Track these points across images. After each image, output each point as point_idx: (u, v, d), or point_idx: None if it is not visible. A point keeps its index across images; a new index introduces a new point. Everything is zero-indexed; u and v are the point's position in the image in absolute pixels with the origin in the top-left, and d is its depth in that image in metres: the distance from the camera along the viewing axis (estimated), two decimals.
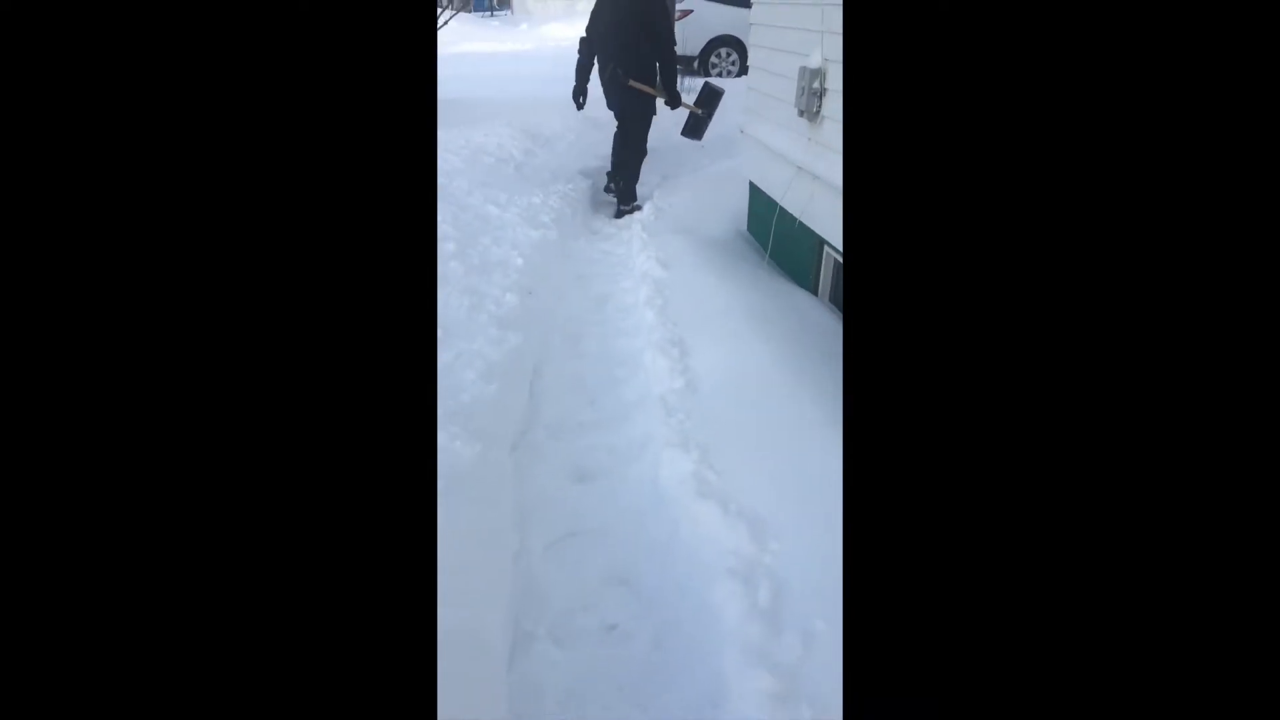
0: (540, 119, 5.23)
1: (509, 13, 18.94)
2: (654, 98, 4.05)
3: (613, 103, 4.11)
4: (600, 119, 5.41)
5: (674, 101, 4.03)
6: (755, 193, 3.62)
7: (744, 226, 3.89)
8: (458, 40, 12.55)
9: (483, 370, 2.02)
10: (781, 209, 3.12)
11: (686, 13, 8.54)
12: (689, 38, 8.50)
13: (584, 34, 4.18)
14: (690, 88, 6.36)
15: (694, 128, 4.39)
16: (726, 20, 8.93)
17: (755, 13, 3.37)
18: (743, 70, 9.09)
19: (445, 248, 2.87)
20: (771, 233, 3.26)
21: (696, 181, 4.91)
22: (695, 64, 8.55)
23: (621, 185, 4.27)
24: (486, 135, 4.71)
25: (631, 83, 3.96)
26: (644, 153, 4.28)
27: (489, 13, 18.34)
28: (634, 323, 2.89)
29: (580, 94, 4.21)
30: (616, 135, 4.27)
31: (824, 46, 2.60)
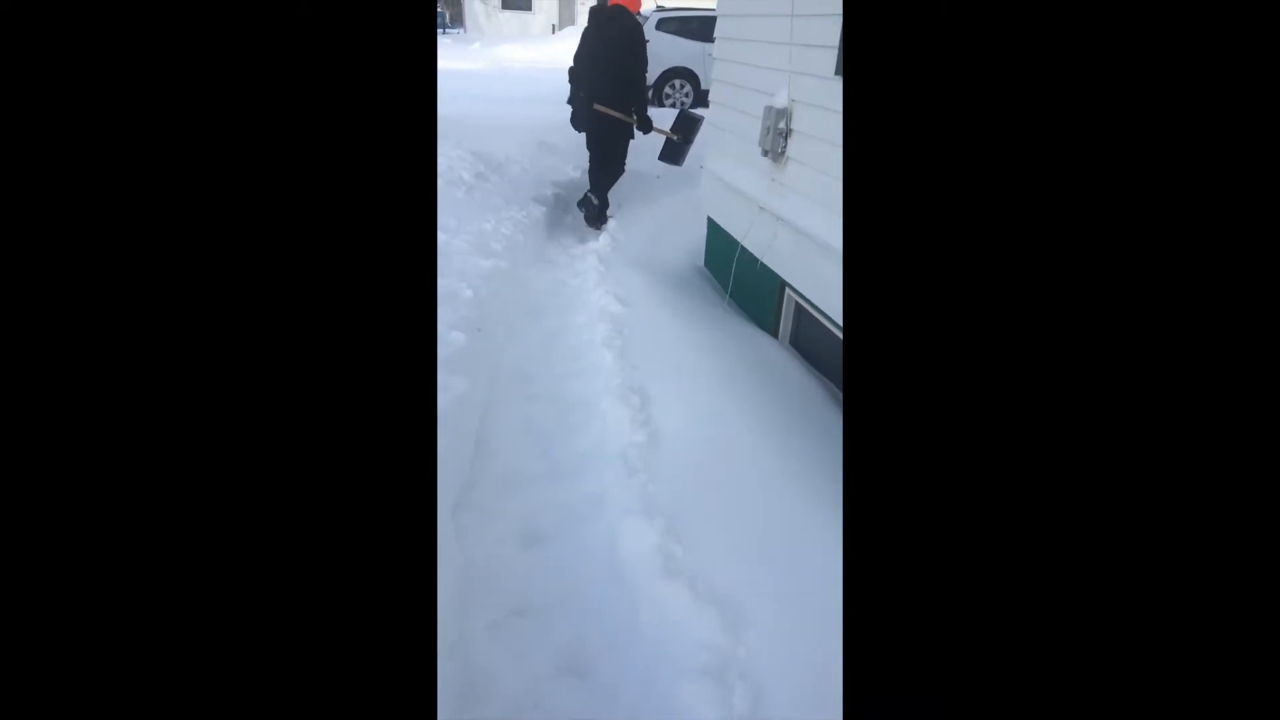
0: (492, 142, 5.03)
1: (461, 30, 18.70)
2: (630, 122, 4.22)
3: (588, 127, 4.23)
4: (554, 144, 5.25)
5: (645, 126, 4.13)
6: (714, 229, 3.51)
7: (702, 261, 3.77)
8: None
9: None
10: (743, 249, 3.01)
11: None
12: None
13: (571, 65, 4.36)
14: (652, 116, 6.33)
15: (672, 154, 4.46)
16: (681, 53, 8.96)
17: (719, 48, 3.28)
18: (696, 102, 9.12)
19: None
20: (732, 272, 3.15)
21: (653, 212, 4.79)
22: (650, 93, 8.53)
23: (596, 204, 4.33)
24: (437, 156, 4.48)
25: (597, 106, 4.07)
26: (621, 171, 4.39)
27: (441, 30, 18.06)
28: (590, 363, 2.71)
29: (578, 120, 4.33)
30: (591, 159, 4.31)
31: (791, 87, 2.51)
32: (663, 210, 4.77)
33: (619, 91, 4.03)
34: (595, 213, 4.33)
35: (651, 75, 8.66)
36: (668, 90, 9.10)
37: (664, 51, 8.65)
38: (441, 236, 3.33)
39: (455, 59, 13.05)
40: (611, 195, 4.67)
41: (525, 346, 2.88)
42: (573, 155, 5.13)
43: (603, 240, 3.98)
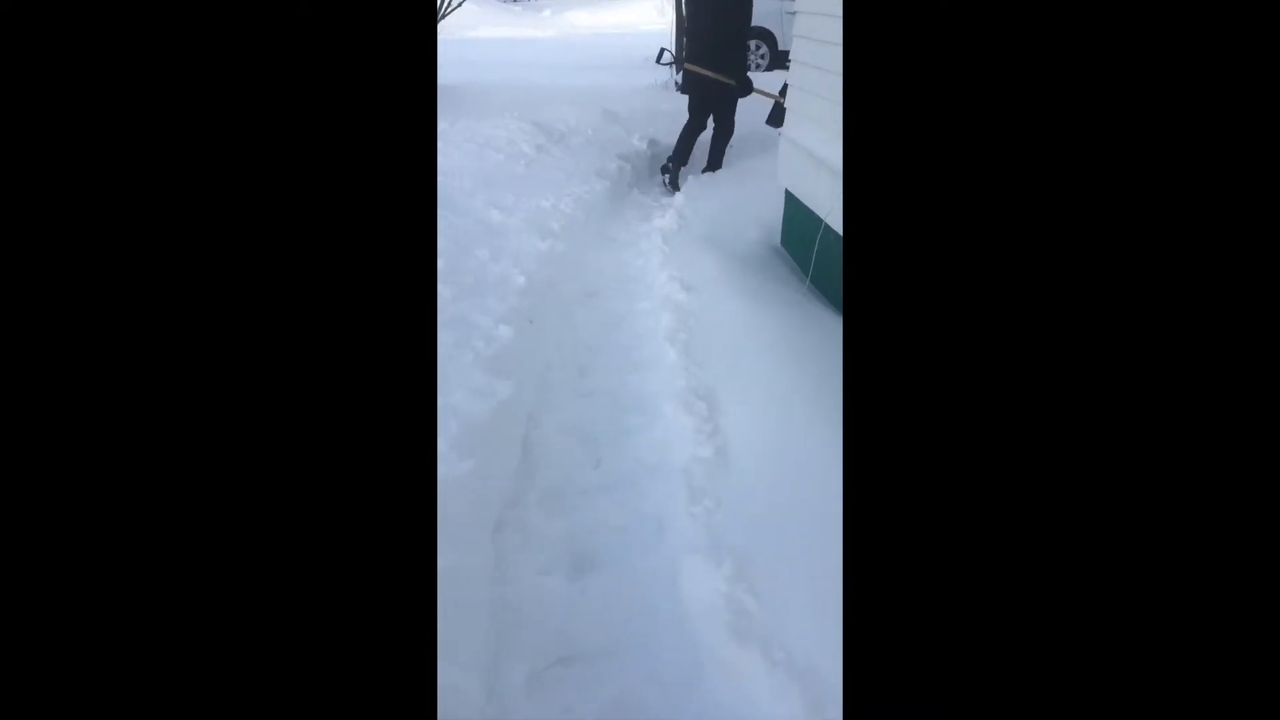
0: (556, 112, 4.76)
1: None
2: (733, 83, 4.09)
3: (691, 90, 4.20)
4: (618, 113, 4.94)
5: (745, 88, 4.09)
6: (793, 204, 3.15)
7: (778, 240, 3.43)
8: (475, 24, 12.08)
9: (457, 438, 1.58)
10: (827, 227, 2.66)
11: None
12: None
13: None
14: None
15: (778, 118, 4.35)
16: (757, 11, 8.37)
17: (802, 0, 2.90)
18: (773, 64, 8.56)
19: None
20: (814, 254, 2.80)
21: (724, 184, 4.44)
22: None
23: (673, 171, 4.31)
24: (496, 128, 4.25)
25: (690, 67, 4.07)
26: (730, 133, 4.35)
27: None
28: (651, 355, 2.44)
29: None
30: (688, 123, 4.26)
31: None
32: (735, 180, 4.41)
33: (718, 53, 3.93)
34: (673, 180, 4.28)
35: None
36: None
37: None
38: (496, 216, 3.10)
39: (523, 27, 12.79)
40: (681, 167, 4.38)
41: (581, 335, 2.64)
42: (638, 125, 4.81)
43: (669, 217, 3.67)
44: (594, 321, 2.76)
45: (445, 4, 5.88)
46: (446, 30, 9.89)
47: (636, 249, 3.54)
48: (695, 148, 4.40)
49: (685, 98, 4.36)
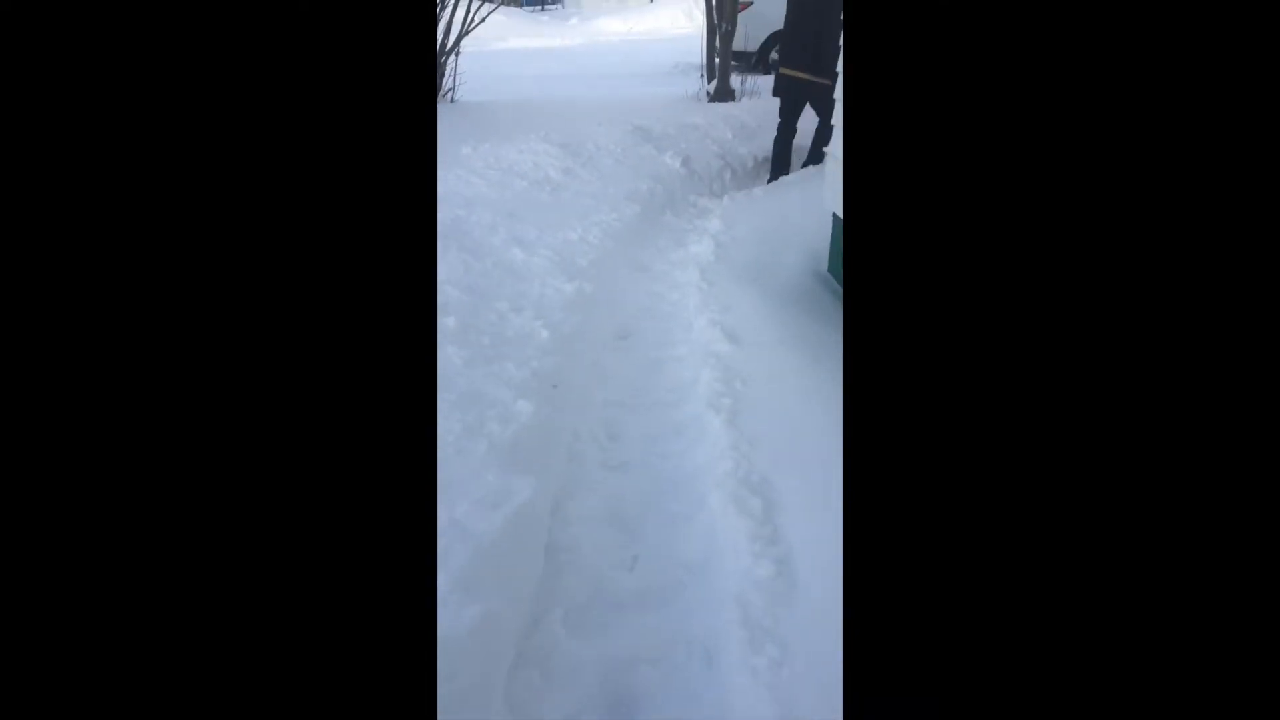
0: (584, 131, 4.47)
1: (560, 6, 18.23)
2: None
3: (787, 94, 4.19)
4: (649, 128, 4.63)
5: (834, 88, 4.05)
6: (843, 230, 2.82)
7: (824, 266, 3.09)
8: (504, 35, 11.88)
9: (462, 572, 1.29)
10: None
11: (745, 4, 7.69)
12: (748, 33, 7.67)
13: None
14: (751, 88, 5.54)
15: (818, 155, 4.23)
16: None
17: None
18: None
19: (445, 323, 2.15)
20: None
21: (761, 201, 4.11)
22: (754, 60, 7.66)
23: (778, 175, 4.24)
24: (521, 152, 3.98)
25: (784, 70, 4.09)
26: (830, 129, 4.12)
27: (539, 7, 17.64)
28: (691, 417, 2.13)
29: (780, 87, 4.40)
30: (781, 126, 4.24)
31: None
32: (772, 202, 4.07)
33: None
34: (774, 171, 4.26)
35: (756, 39, 7.78)
36: (772, 55, 8.21)
37: (767, 13, 7.74)
38: (519, 255, 2.82)
39: (550, 37, 12.57)
40: (703, 188, 4.07)
41: (611, 391, 2.34)
42: (669, 142, 4.50)
43: (705, 244, 3.35)
44: (626, 373, 2.46)
45: (470, 19, 5.65)
46: (476, 43, 9.73)
47: (671, 280, 3.24)
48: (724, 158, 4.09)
49: (717, 111, 4.07)
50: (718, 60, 5.52)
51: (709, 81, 5.58)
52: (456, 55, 5.59)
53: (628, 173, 4.02)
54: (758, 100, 5.44)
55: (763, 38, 7.84)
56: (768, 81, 5.85)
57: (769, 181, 4.29)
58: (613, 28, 13.75)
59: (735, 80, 5.47)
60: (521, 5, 16.75)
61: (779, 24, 8.34)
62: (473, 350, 2.06)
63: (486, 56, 9.47)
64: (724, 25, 5.29)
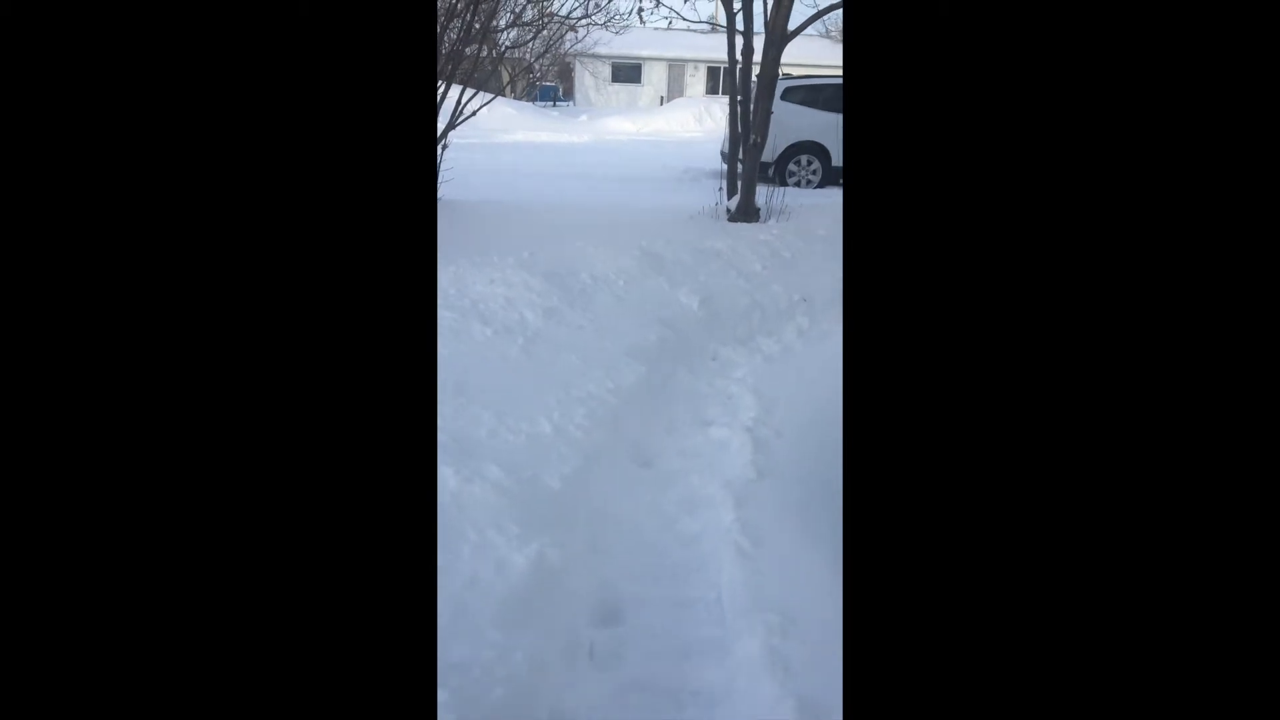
0: (578, 252, 3.46)
1: (571, 104, 18.02)
2: None
3: None
4: (661, 256, 3.62)
5: None
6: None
7: None
8: (510, 128, 11.28)
9: None
10: None
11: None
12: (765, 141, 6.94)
13: None
14: (780, 206, 4.64)
15: None
16: (809, 125, 7.31)
17: None
18: (824, 180, 7.41)
19: None
20: None
21: (799, 356, 3.06)
22: (771, 172, 6.86)
23: None
24: (492, 282, 2.95)
25: None
26: None
27: (551, 103, 17.39)
28: None
29: None
30: None
31: None
32: (817, 356, 3.03)
33: None
34: None
35: (775, 149, 7.04)
36: (792, 168, 7.44)
37: (789, 121, 6.99)
38: (449, 479, 1.69)
39: (558, 132, 11.99)
40: (742, 332, 3.02)
41: None
42: (685, 273, 3.49)
43: (736, 437, 2.26)
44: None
45: (460, 109, 4.80)
46: (478, 133, 9.03)
47: (687, 488, 2.13)
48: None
49: (742, 235, 3.11)
50: (739, 173, 4.66)
51: (729, 197, 4.69)
52: (444, 147, 4.69)
53: (631, 315, 2.98)
54: (788, 221, 4.50)
55: (783, 148, 7.07)
56: (798, 199, 4.93)
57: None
58: (622, 127, 13.27)
59: (760, 196, 4.58)
60: (535, 101, 16.47)
61: (803, 133, 7.76)
62: None
63: (487, 149, 8.73)
64: (755, 137, 4.42)
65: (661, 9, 5.68)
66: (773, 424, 2.37)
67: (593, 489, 1.96)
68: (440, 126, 4.52)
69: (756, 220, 4.51)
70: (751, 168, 4.58)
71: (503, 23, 6.21)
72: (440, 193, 4.66)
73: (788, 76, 7.83)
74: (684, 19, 6.32)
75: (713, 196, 4.83)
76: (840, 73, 7.54)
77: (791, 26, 4.52)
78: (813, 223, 4.44)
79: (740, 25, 4.56)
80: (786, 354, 3.06)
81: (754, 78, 4.62)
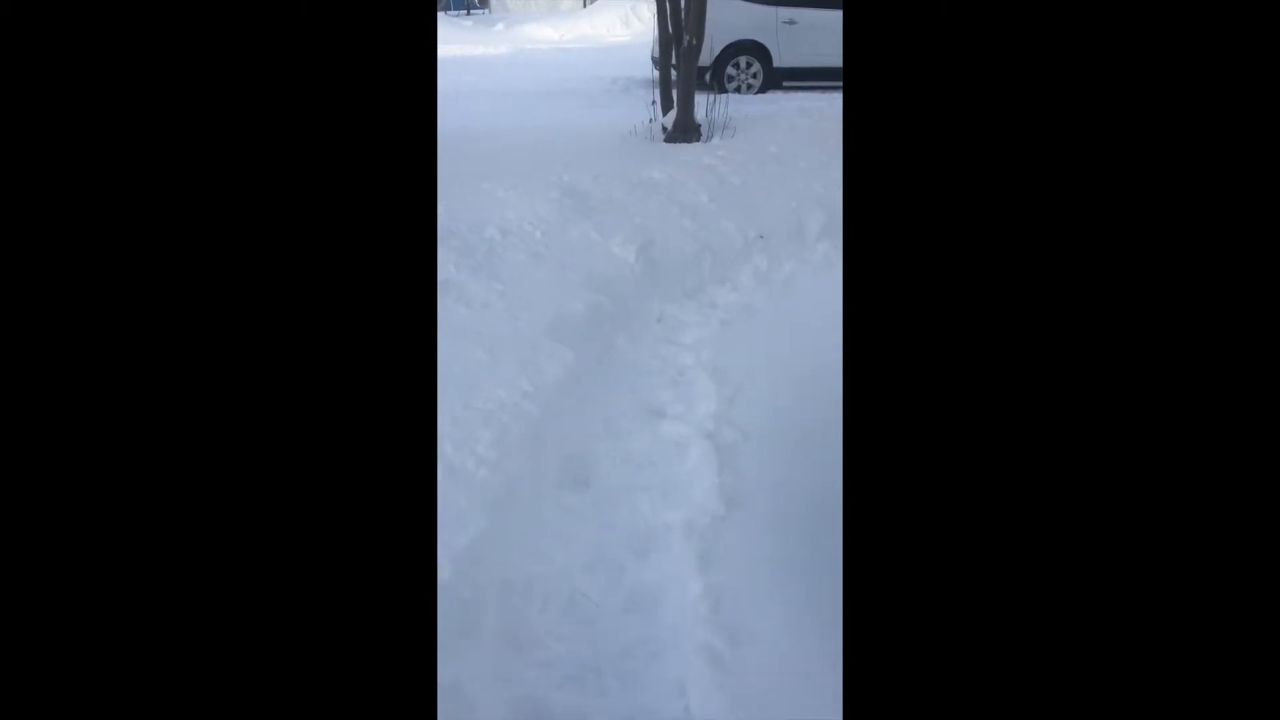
0: (484, 197, 2.74)
1: (485, 11, 16.24)
2: None
3: None
4: (589, 195, 2.92)
5: None
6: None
7: None
8: None
9: None
10: None
11: None
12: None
13: None
14: (724, 120, 3.92)
15: None
16: (747, 22, 6.45)
17: None
18: (766, 84, 6.64)
19: None
20: None
21: (763, 315, 2.51)
22: (708, 77, 6.04)
23: None
24: None
25: None
26: None
27: (464, 11, 15.59)
28: None
29: None
30: None
31: None
32: (787, 309, 2.48)
33: None
34: None
35: (711, 51, 6.17)
36: (730, 71, 6.63)
37: (724, 20, 6.10)
38: None
39: (470, 44, 10.67)
40: (691, 283, 2.44)
41: None
42: (617, 215, 2.81)
43: (696, 444, 1.72)
44: None
45: None
46: None
47: (633, 516, 1.61)
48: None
49: (682, 158, 2.48)
50: (675, 83, 3.91)
51: (664, 113, 3.95)
52: None
53: (552, 280, 2.33)
54: (734, 139, 3.79)
55: (719, 49, 6.22)
56: (741, 108, 4.19)
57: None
58: (542, 35, 11.93)
59: (698, 109, 3.86)
60: (449, 10, 14.70)
61: (741, 31, 6.85)
62: None
63: None
64: (689, 39, 3.64)
65: None
66: (738, 420, 1.83)
67: (508, 555, 1.41)
68: None
69: (697, 139, 3.81)
70: (688, 76, 3.83)
71: None
72: None
73: None
74: None
75: (644, 110, 4.08)
76: None
77: None
78: (762, 139, 3.77)
79: None
80: (746, 311, 2.50)
81: None
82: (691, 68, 3.84)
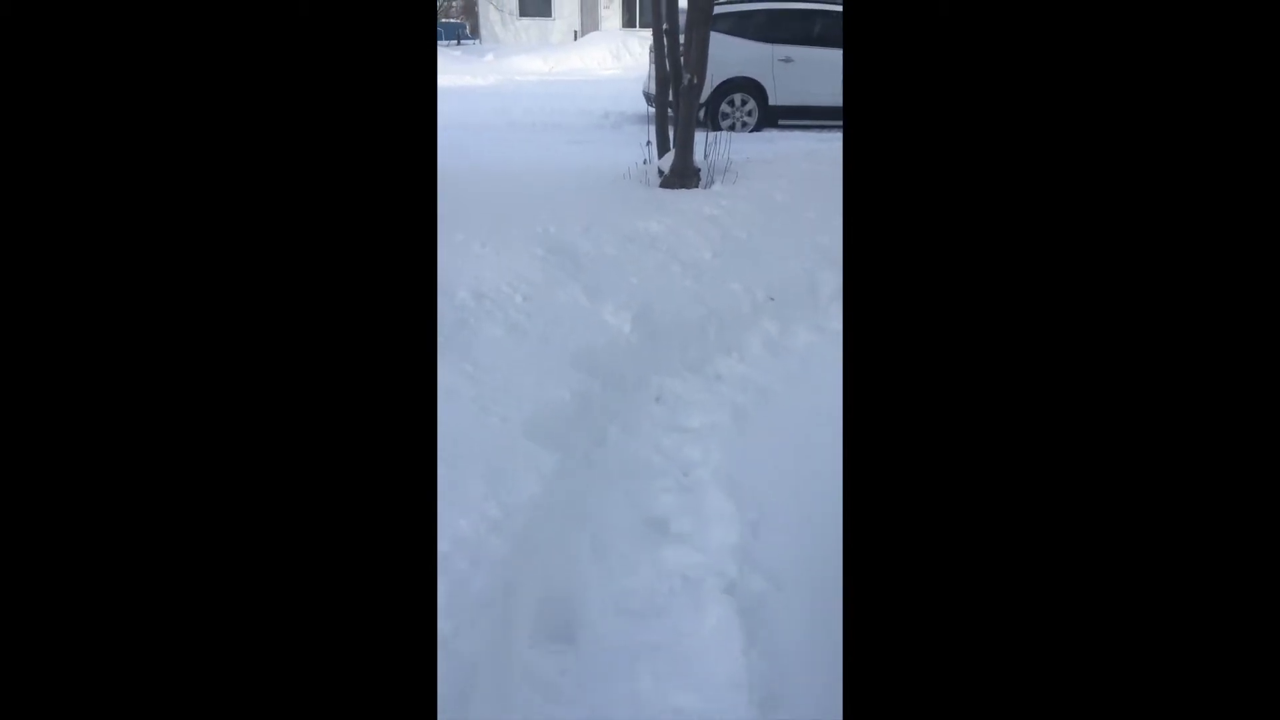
0: (458, 249, 2.33)
1: (476, 42, 16.06)
2: None
3: None
4: (576, 250, 2.53)
5: None
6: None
7: None
8: None
9: None
10: None
11: None
12: None
13: None
14: (725, 165, 3.58)
15: None
16: (742, 58, 6.19)
17: None
18: (762, 122, 6.37)
19: None
20: None
21: (781, 397, 2.13)
22: (702, 114, 5.75)
23: None
24: None
25: None
26: None
27: (455, 41, 15.38)
28: None
29: None
30: None
31: None
32: (813, 384, 2.11)
33: None
34: None
35: (705, 88, 5.88)
36: (725, 108, 6.35)
37: (720, 55, 5.81)
38: None
39: (460, 74, 10.39)
40: (694, 356, 2.06)
41: None
42: (610, 274, 2.41)
43: (711, 599, 1.32)
44: None
45: None
46: None
47: (635, 699, 1.20)
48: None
49: (680, 207, 2.14)
50: (671, 122, 3.58)
51: (660, 154, 3.61)
52: None
53: (532, 358, 1.94)
54: (736, 184, 3.44)
55: (714, 85, 5.93)
56: (740, 149, 3.84)
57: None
58: (532, 66, 11.71)
59: (697, 149, 3.52)
60: (439, 40, 14.48)
61: (736, 68, 6.56)
62: None
63: None
64: (689, 77, 3.31)
65: None
66: (765, 559, 1.43)
67: None
68: None
69: (696, 185, 3.46)
70: (688, 117, 3.49)
71: None
72: None
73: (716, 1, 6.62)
74: None
75: (637, 149, 3.73)
76: None
77: None
78: (766, 185, 3.42)
79: None
80: (762, 396, 2.11)
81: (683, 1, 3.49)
82: (692, 108, 3.50)
